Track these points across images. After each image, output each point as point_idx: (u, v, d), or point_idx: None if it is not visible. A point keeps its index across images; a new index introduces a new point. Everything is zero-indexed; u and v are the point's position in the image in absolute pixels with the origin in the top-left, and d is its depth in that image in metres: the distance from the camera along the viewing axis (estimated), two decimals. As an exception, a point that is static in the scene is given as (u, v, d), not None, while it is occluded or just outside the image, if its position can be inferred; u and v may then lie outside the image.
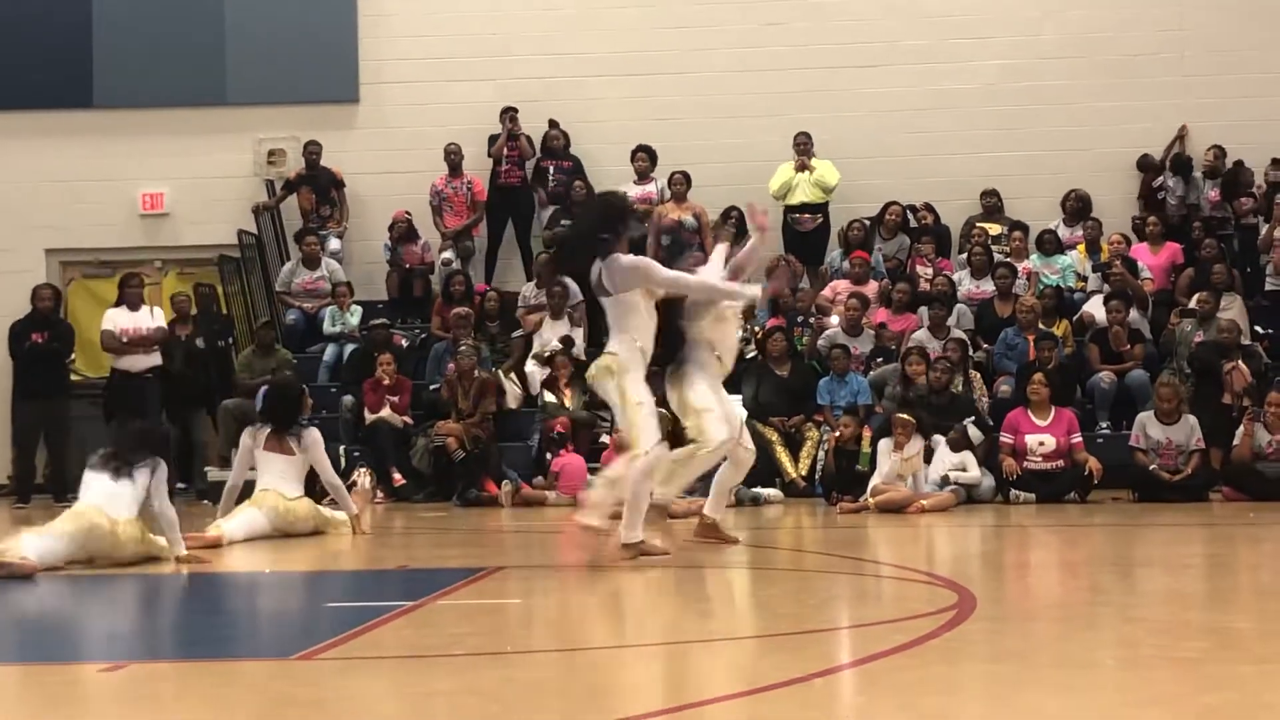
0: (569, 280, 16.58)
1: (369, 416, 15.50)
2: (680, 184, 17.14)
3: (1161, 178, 17.52)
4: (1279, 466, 13.68)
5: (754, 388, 15.21)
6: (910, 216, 17.59)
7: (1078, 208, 17.41)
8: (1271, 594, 8.21)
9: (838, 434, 14.08)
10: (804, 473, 14.64)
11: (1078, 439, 13.82)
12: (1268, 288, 16.32)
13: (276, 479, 11.30)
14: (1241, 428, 13.80)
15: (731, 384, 15.71)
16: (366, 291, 17.82)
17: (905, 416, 13.34)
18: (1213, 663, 5.84)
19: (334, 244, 17.96)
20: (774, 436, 14.76)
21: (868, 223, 17.27)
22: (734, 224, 17.26)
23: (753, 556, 9.14)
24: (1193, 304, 15.45)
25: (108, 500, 9.31)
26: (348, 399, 15.71)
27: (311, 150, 18.11)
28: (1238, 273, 16.40)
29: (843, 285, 16.56)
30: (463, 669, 5.93)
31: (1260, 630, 6.76)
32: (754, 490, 13.59)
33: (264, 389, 12.73)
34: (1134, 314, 15.55)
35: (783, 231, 17.37)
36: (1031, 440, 13.75)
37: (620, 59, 18.28)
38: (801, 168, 17.23)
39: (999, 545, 11.32)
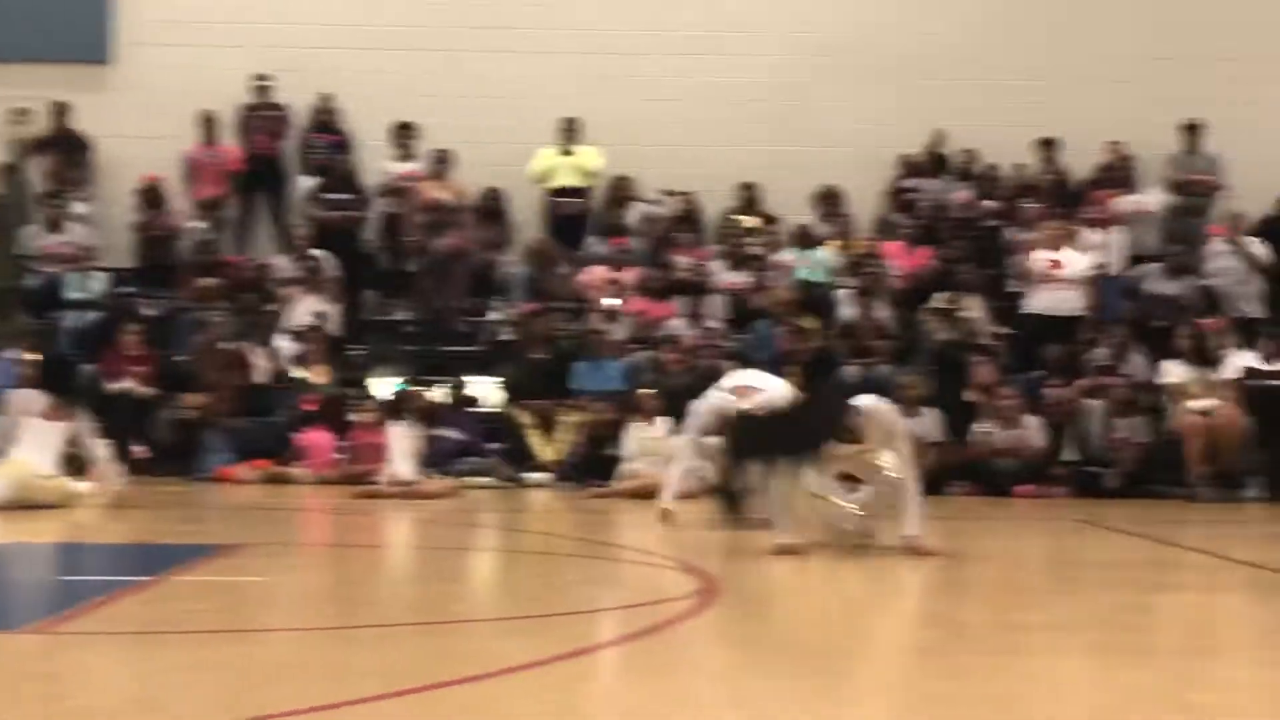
0: (323, 254, 16.43)
1: (111, 386, 15.10)
2: (441, 162, 16.99)
3: (914, 179, 17.94)
4: (1013, 463, 14.15)
5: (510, 370, 15.21)
6: (665, 198, 17.74)
7: (831, 204, 17.73)
8: (1002, 587, 8.47)
9: (592, 418, 14.16)
10: (558, 456, 14.67)
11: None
12: (1008, 290, 16.78)
13: (33, 448, 11.14)
14: (977, 423, 14.22)
15: (488, 366, 15.89)
16: (113, 258, 17.30)
17: (648, 392, 13.42)
18: (942, 653, 6.01)
19: (80, 208, 17.42)
20: (528, 420, 14.77)
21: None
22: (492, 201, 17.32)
23: (502, 539, 9.16)
24: (938, 302, 15.86)
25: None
26: (89, 368, 15.27)
27: (59, 111, 17.53)
28: (980, 274, 16.85)
29: (600, 271, 16.62)
30: (199, 645, 5.84)
31: (990, 622, 6.98)
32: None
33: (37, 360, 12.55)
34: (881, 310, 15.91)
35: (544, 215, 17.42)
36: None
37: (386, 33, 18.03)
38: (565, 153, 17.25)
39: (746, 533, 11.44)
